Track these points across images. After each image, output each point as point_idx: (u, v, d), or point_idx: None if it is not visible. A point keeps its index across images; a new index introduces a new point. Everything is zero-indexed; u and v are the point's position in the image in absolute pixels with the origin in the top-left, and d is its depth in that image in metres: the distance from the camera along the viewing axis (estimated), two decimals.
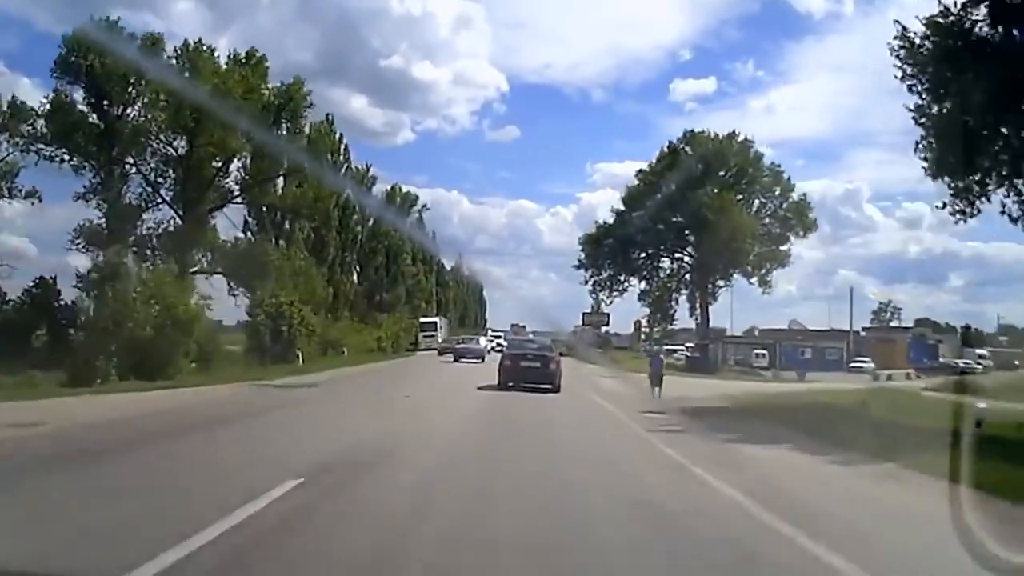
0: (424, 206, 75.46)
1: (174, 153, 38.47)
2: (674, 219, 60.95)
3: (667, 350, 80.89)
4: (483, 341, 54.28)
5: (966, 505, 7.08)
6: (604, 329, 77.72)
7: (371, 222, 68.08)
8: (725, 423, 18.72)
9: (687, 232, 61.93)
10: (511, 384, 26.09)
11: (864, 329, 77.86)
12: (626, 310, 78.50)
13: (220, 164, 39.03)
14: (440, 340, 65.40)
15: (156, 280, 28.61)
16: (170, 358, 26.55)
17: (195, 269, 39.44)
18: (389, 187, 71.83)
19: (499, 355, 32.20)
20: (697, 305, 64.48)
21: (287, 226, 51.91)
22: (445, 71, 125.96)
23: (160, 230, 39.11)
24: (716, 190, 58.45)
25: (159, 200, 39.52)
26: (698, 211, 57.26)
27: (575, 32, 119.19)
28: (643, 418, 18.56)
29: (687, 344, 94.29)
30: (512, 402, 21.74)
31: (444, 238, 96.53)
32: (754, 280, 63.45)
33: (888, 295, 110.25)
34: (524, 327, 70.13)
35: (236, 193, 40.79)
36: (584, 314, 75.48)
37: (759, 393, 28.57)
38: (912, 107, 19.57)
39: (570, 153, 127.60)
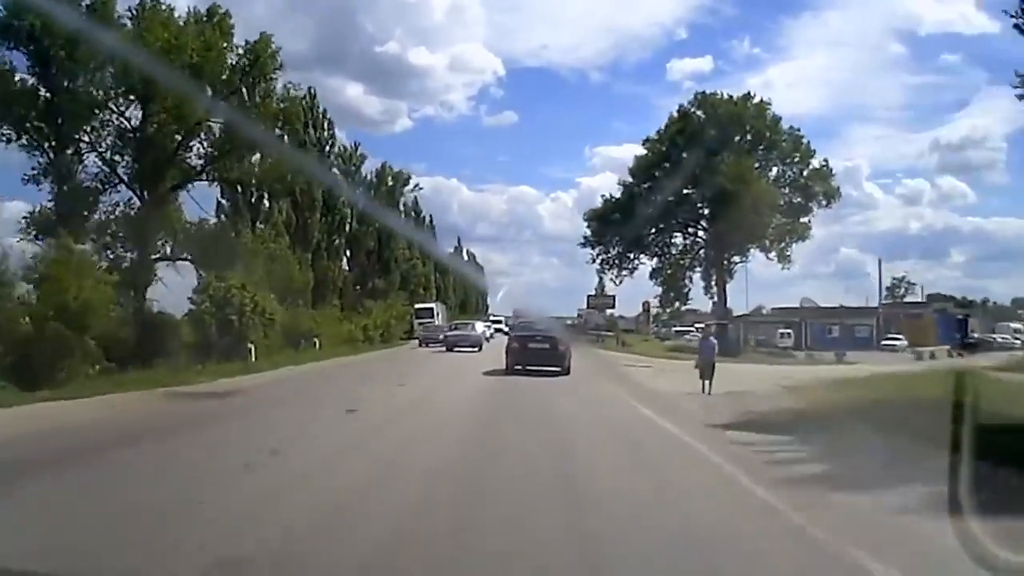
0: (417, 186, 70.86)
1: (127, 125, 33.98)
2: (687, 190, 56.32)
3: (675, 331, 77.36)
4: (479, 327, 49.52)
5: None
6: (609, 311, 73.48)
7: (360, 204, 63.97)
8: (854, 446, 12.25)
9: (701, 204, 57.44)
10: (519, 367, 26.25)
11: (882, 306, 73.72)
12: (633, 291, 73.88)
13: (181, 136, 34.37)
14: (438, 327, 61.29)
15: (43, 260, 23.91)
16: (57, 359, 21.16)
17: (157, 256, 35.11)
18: (379, 165, 67.07)
19: (501, 341, 33.84)
20: (713, 283, 60.08)
21: (266, 207, 47.73)
22: (441, 56, 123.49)
23: (117, 213, 34.69)
24: (732, 157, 53.79)
25: (116, 180, 35.01)
26: (713, 180, 52.73)
27: (570, 12, 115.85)
28: (722, 441, 12.86)
29: (696, 324, 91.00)
30: (526, 425, 15.03)
31: (444, 224, 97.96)
32: (772, 255, 59.09)
33: (898, 271, 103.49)
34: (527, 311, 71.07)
35: (199, 169, 36.07)
36: (589, 296, 70.66)
37: (818, 381, 23.90)
38: None
39: (569, 137, 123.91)
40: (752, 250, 59.16)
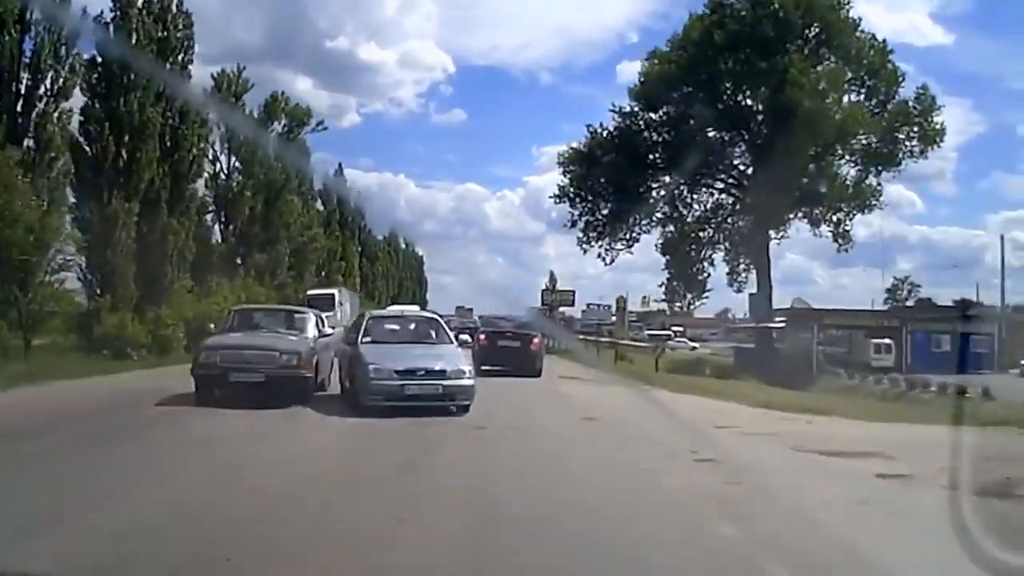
0: (321, 124, 50.89)
1: None
2: (716, 120, 37.61)
3: (648, 334, 58.82)
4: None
5: None
6: (564, 310, 55.80)
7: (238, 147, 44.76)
8: None
9: (739, 138, 38.80)
10: (487, 368, 23.18)
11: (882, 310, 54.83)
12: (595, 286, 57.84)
13: None
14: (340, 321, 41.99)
15: None
16: None
17: None
18: (269, 96, 47.33)
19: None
20: (742, 266, 41.32)
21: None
22: (391, 53, 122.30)
23: None
24: (798, 60, 34.96)
25: None
26: (762, 100, 34.16)
27: (523, 13, 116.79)
28: None
29: (673, 327, 73.05)
30: None
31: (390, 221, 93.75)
32: (823, 229, 40.54)
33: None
34: (471, 310, 62.02)
35: None
36: (542, 292, 54.71)
37: None
38: None
39: (517, 136, 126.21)
40: (795, 221, 40.68)
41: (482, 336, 26.18)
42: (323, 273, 60.10)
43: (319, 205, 63.66)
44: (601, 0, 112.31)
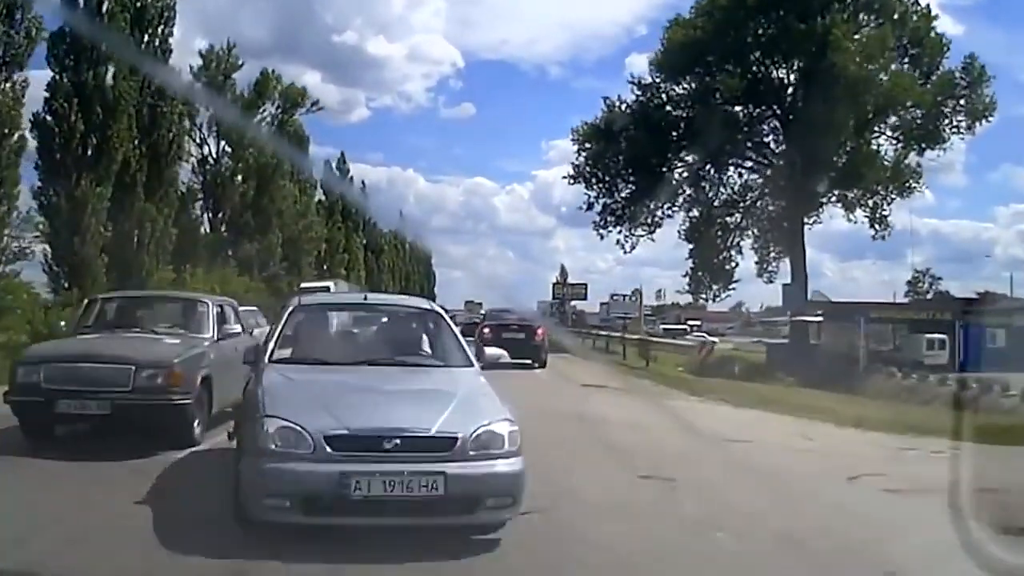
0: (316, 104, 47.40)
1: None
2: (745, 92, 34.25)
3: (662, 328, 55.73)
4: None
5: None
6: (575, 303, 54.48)
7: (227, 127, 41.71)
8: None
9: (769, 113, 35.47)
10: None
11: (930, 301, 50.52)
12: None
13: None
14: None
15: None
16: None
17: None
18: (259, 73, 44.07)
19: None
20: (771, 254, 38.02)
21: None
22: (399, 47, 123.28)
23: None
24: (840, 21, 31.53)
25: None
26: (806, 66, 30.90)
27: (531, 7, 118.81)
28: None
29: (690, 321, 69.99)
30: None
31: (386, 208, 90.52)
32: (859, 214, 37.23)
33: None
34: (480, 304, 59.75)
35: None
36: (553, 285, 53.94)
37: None
38: None
39: (526, 130, 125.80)
40: (828, 205, 37.33)
41: (486, 330, 25.22)
42: (325, 266, 57.36)
43: (320, 195, 60.91)
44: None
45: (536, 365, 23.93)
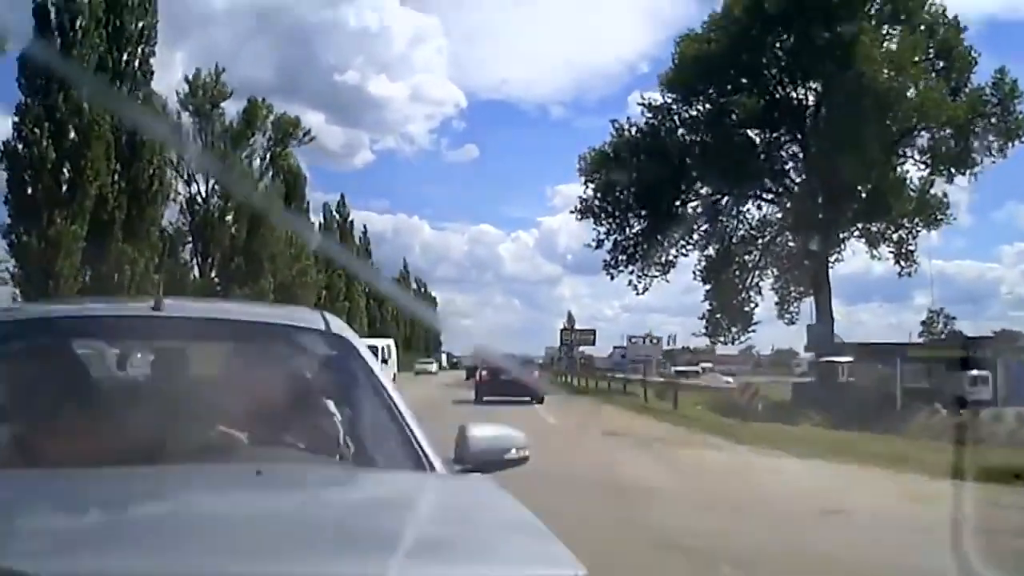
0: (308, 134, 44.83)
1: None
2: (762, 114, 32.23)
3: (677, 372, 53.29)
4: None
5: None
6: (583, 349, 52.07)
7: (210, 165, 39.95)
8: None
9: (789, 138, 33.42)
10: (487, 398, 25.58)
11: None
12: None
13: None
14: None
15: None
16: None
17: None
18: (245, 103, 41.77)
19: None
20: (792, 291, 35.74)
21: None
22: (401, 86, 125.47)
23: None
24: (867, 29, 29.38)
25: None
26: (830, 80, 28.91)
27: (533, 46, 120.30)
28: None
29: (702, 364, 67.92)
30: None
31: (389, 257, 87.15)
32: (882, 249, 35.05)
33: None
34: (488, 351, 53.68)
35: None
36: (561, 331, 52.87)
37: None
38: None
39: (530, 174, 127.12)
40: (852, 238, 35.09)
41: (484, 373, 27.74)
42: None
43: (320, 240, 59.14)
44: (610, 32, 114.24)
45: (534, 401, 25.20)
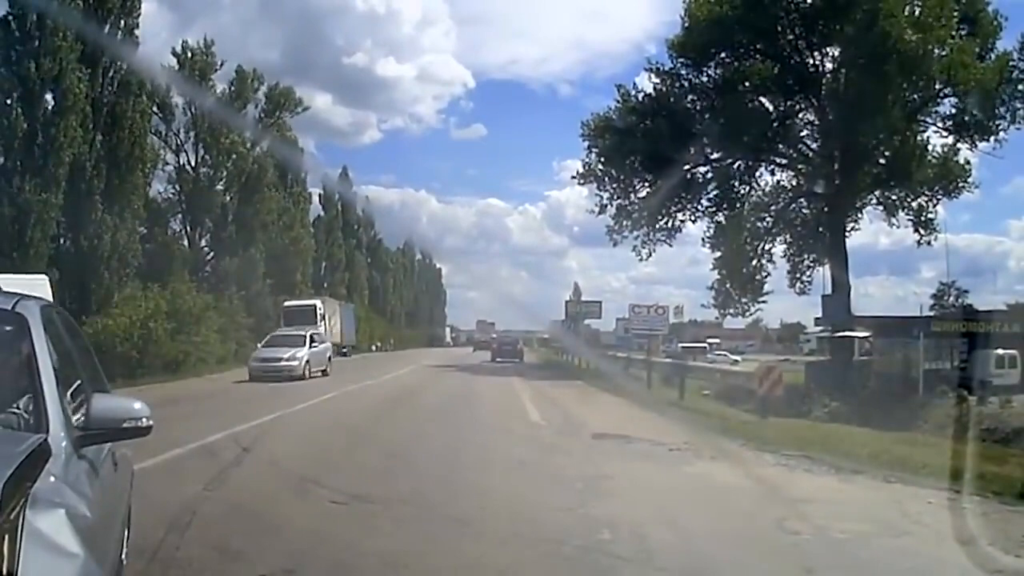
0: (300, 102, 43.46)
1: None
2: (778, 80, 30.43)
3: (680, 347, 51.31)
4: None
5: None
6: (589, 322, 50.32)
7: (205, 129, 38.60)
8: None
9: (805, 104, 31.62)
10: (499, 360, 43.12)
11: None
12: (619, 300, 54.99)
13: None
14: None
15: None
16: None
17: None
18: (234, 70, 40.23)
19: None
20: (806, 262, 34.17)
21: None
22: (409, 67, 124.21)
23: None
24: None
25: None
26: (851, 41, 27.23)
27: (540, 26, 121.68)
28: None
29: (709, 340, 66.01)
30: None
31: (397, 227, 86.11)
32: (902, 216, 33.36)
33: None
34: (492, 324, 70.48)
35: None
36: (566, 303, 50.75)
37: None
38: None
39: (537, 150, 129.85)
40: (869, 205, 33.50)
41: (495, 346, 48.47)
42: (325, 284, 54.27)
43: (320, 211, 57.93)
44: (618, 12, 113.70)
45: (517, 359, 44.58)
